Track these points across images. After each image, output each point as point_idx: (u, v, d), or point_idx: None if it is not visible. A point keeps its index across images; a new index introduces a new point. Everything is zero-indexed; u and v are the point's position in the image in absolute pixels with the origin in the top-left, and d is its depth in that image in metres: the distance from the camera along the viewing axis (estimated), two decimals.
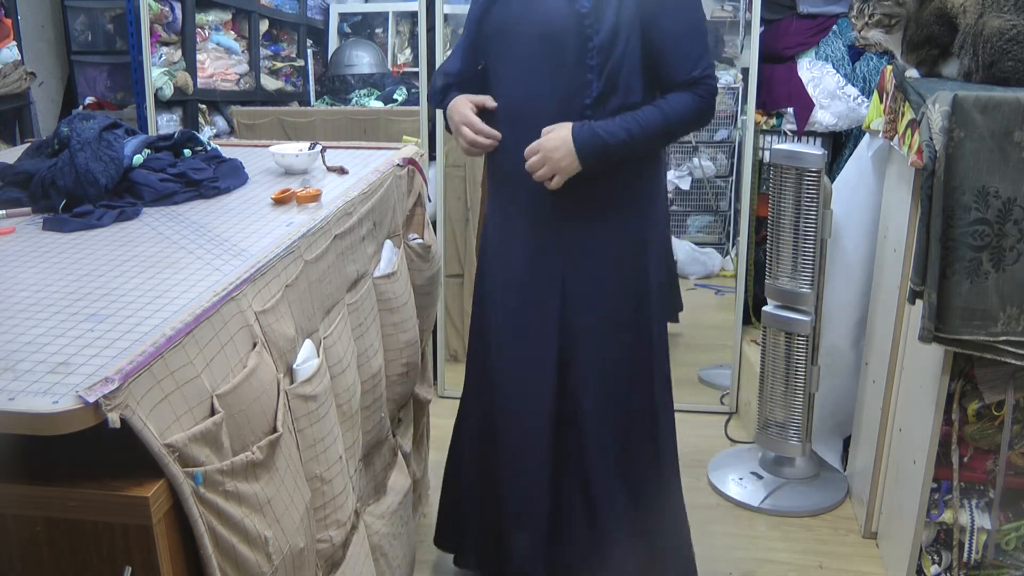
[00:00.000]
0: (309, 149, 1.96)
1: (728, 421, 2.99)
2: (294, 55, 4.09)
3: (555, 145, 1.68)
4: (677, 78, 1.71)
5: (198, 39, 3.46)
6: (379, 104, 3.73)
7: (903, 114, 2.06)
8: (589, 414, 1.85)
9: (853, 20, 2.09)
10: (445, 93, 1.88)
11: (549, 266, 1.82)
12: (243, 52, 3.73)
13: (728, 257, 4.17)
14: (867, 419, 2.41)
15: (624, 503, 1.90)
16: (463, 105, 1.80)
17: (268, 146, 2.08)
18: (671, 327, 2.08)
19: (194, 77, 3.38)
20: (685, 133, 1.79)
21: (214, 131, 3.52)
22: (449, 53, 1.96)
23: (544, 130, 1.70)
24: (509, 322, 1.89)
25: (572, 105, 1.71)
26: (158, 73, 3.18)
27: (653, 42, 1.70)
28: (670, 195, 3.72)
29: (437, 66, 2.94)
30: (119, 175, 1.66)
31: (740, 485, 2.58)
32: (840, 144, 3.10)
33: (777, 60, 3.10)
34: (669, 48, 1.70)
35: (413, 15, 4.01)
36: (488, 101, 1.79)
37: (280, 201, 1.67)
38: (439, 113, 3.00)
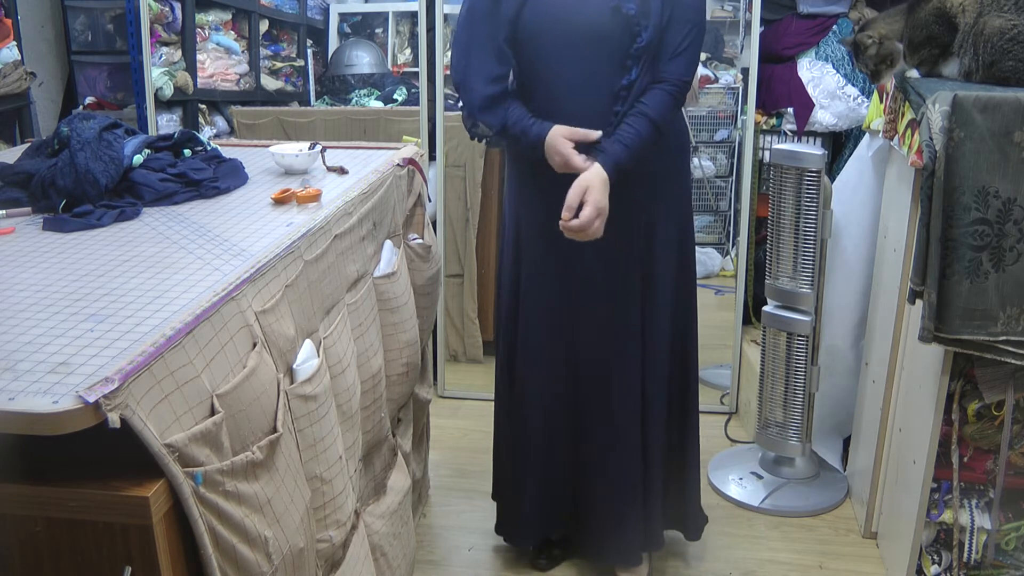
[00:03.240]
0: (309, 149, 1.96)
1: (728, 421, 2.99)
2: (294, 55, 4.09)
3: (602, 196, 1.76)
4: (658, 61, 1.81)
5: (198, 39, 3.46)
6: (379, 104, 3.73)
7: (903, 114, 2.06)
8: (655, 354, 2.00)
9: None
10: (502, 100, 1.86)
11: (632, 222, 1.92)
12: (243, 52, 3.73)
13: (728, 257, 4.17)
14: (867, 419, 2.41)
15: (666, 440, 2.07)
16: (563, 145, 1.80)
17: (268, 146, 2.08)
18: None
19: (194, 77, 3.38)
20: (670, 123, 1.87)
21: (214, 131, 3.52)
22: (460, 55, 1.89)
23: (583, 194, 1.75)
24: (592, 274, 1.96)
25: (611, 88, 1.81)
26: (158, 73, 3.18)
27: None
28: None
29: (438, 67, 2.95)
30: (119, 175, 1.66)
31: (740, 485, 2.58)
32: (840, 144, 3.10)
33: (777, 60, 3.10)
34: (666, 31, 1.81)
35: (413, 15, 4.01)
36: (591, 135, 1.81)
37: (280, 201, 1.67)
38: (439, 113, 2.99)
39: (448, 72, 3.03)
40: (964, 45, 1.88)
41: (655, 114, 1.80)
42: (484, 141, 1.99)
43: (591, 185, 1.74)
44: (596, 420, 2.02)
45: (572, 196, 1.74)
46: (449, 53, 3.27)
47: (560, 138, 1.80)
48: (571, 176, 1.81)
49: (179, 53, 3.36)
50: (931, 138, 1.74)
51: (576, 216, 1.74)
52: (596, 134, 1.79)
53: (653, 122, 1.80)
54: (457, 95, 1.98)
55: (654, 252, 1.95)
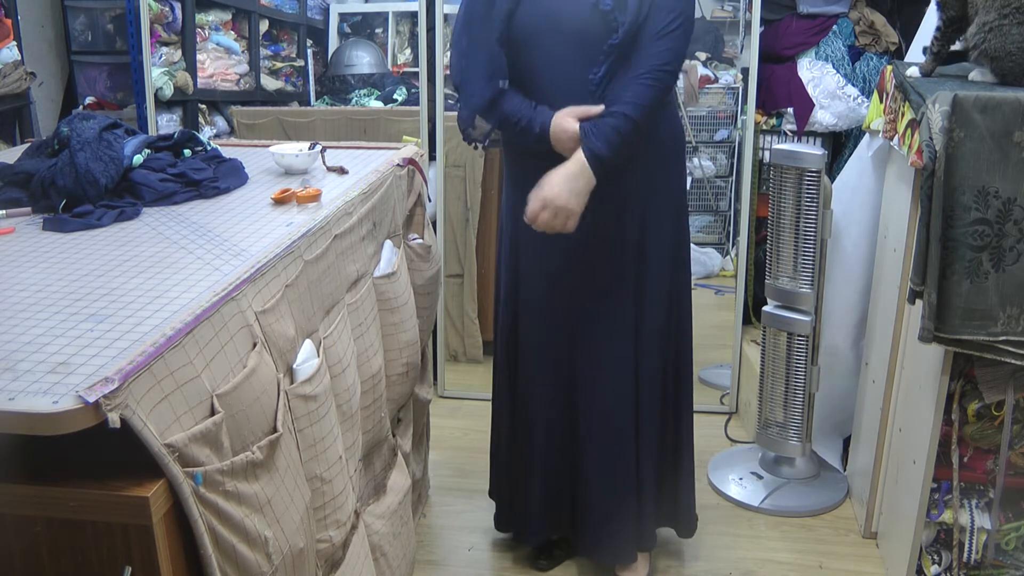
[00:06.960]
0: (309, 149, 1.96)
1: (728, 421, 2.99)
2: (294, 55, 4.09)
3: (556, 192, 1.76)
4: (637, 51, 1.79)
5: (198, 39, 3.46)
6: (379, 104, 3.73)
7: (903, 114, 2.06)
8: (648, 347, 2.00)
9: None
10: (500, 99, 1.87)
11: (625, 220, 1.93)
12: (243, 52, 3.73)
13: (728, 257, 4.17)
14: (867, 419, 2.41)
15: (661, 434, 2.07)
16: (571, 124, 1.80)
17: (268, 146, 2.08)
18: None
19: (194, 77, 3.38)
20: (651, 114, 1.83)
21: (214, 131, 3.52)
22: (459, 57, 1.90)
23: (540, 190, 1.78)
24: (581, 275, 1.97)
25: (586, 84, 1.81)
26: (158, 73, 3.18)
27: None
28: None
29: (438, 67, 2.94)
30: (119, 175, 1.67)
31: (740, 485, 2.58)
32: (840, 144, 3.10)
33: (777, 60, 3.10)
34: (647, 17, 1.78)
35: (413, 15, 4.01)
36: (593, 110, 1.80)
37: (280, 201, 1.67)
38: (439, 113, 2.99)
39: (448, 72, 3.04)
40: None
41: (629, 108, 1.77)
42: (477, 146, 1.99)
43: (547, 178, 1.78)
44: (590, 416, 2.03)
45: (536, 202, 1.78)
46: (448, 54, 3.29)
47: (567, 118, 1.80)
48: None
49: (179, 53, 3.36)
50: (931, 138, 1.75)
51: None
52: (598, 109, 1.79)
53: (627, 116, 1.77)
54: (457, 95, 1.99)
55: (647, 249, 1.96)
